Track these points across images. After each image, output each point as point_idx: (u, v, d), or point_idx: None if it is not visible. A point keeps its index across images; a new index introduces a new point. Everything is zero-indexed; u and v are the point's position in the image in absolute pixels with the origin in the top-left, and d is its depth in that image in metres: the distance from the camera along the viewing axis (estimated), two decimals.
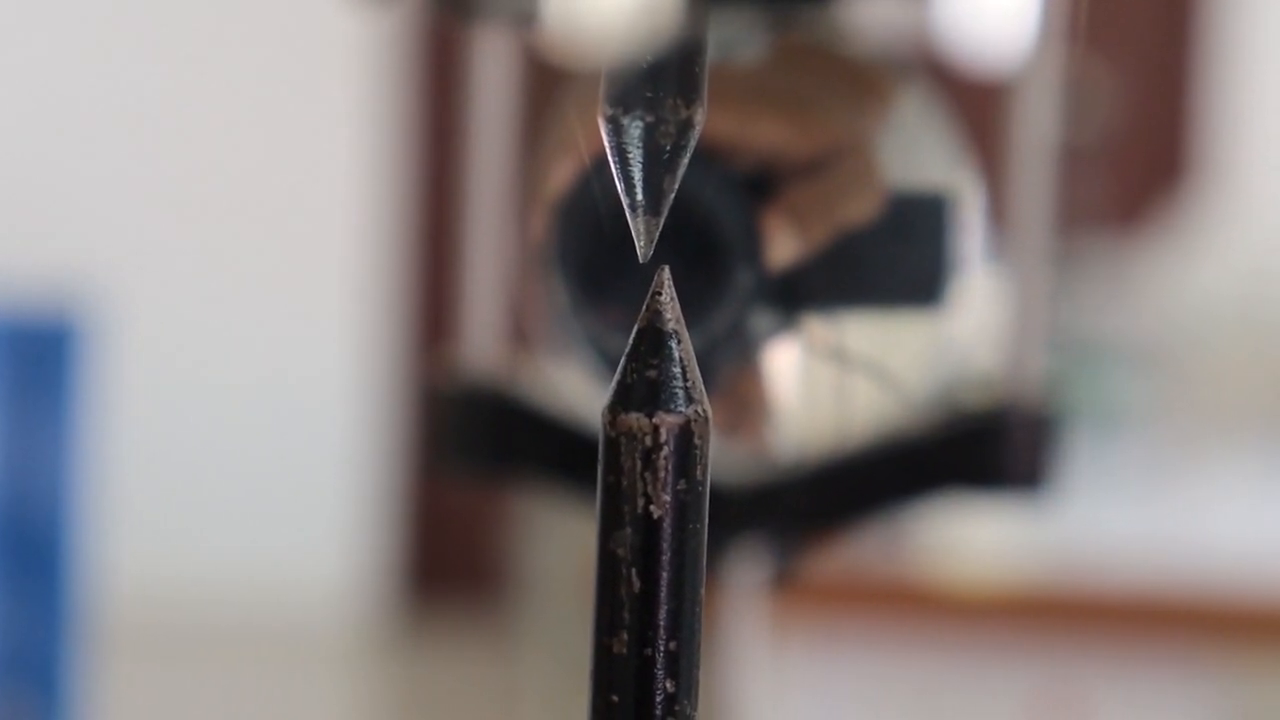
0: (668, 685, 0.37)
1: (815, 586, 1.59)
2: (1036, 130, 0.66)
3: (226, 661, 3.80)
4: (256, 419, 4.18)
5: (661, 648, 0.37)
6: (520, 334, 0.68)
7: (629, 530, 0.37)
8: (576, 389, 0.62)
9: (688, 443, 0.37)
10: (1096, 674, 1.67)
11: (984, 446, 0.65)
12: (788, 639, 1.66)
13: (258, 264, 4.17)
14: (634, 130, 0.38)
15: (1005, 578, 1.67)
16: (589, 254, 0.54)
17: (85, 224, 4.12)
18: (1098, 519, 1.83)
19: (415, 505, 4.25)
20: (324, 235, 4.20)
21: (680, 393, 0.37)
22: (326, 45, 4.13)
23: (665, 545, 0.37)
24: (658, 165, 0.38)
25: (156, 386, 4.09)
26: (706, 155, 0.51)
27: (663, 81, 0.38)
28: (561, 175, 0.55)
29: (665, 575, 0.37)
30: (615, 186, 0.39)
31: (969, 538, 1.69)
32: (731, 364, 0.55)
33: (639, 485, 0.37)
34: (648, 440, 0.37)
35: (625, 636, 0.37)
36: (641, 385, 0.37)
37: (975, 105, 0.87)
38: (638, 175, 0.38)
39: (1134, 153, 3.63)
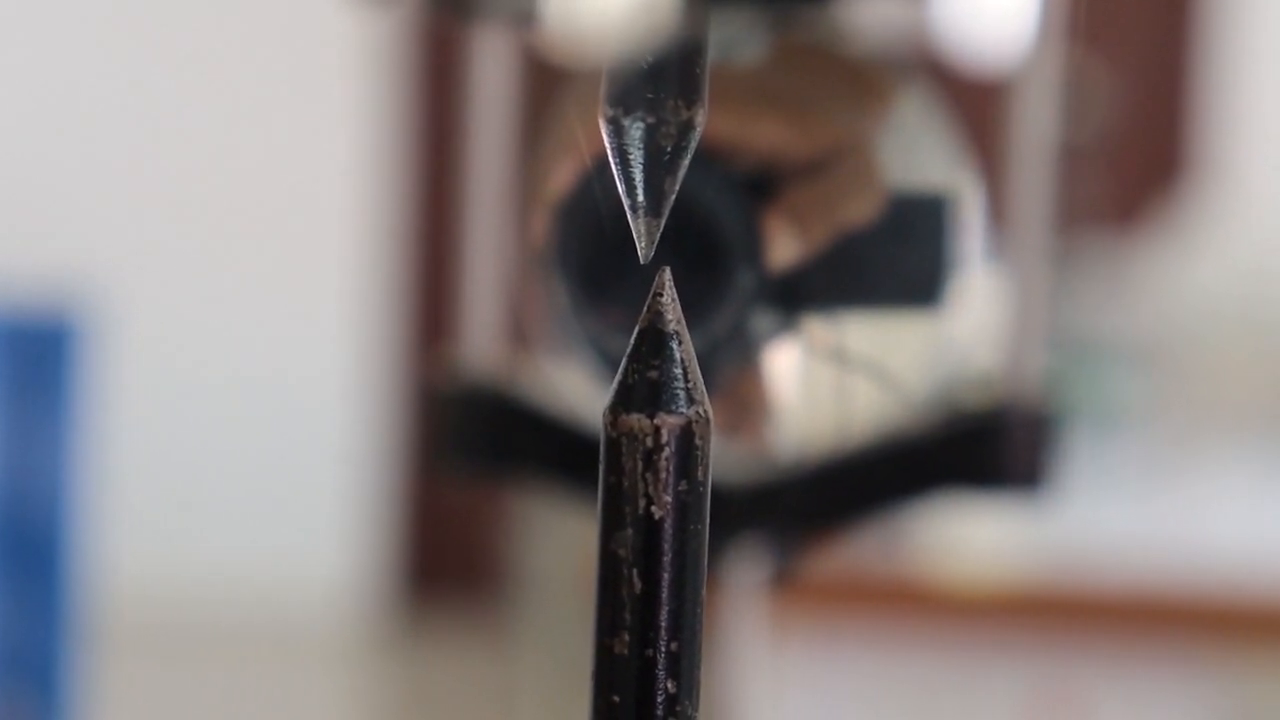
0: (669, 686, 0.37)
1: (814, 586, 1.59)
2: (1035, 129, 0.66)
3: (225, 660, 3.80)
4: (256, 418, 4.18)
5: (663, 648, 0.37)
6: (520, 334, 0.68)
7: (630, 531, 0.37)
8: (576, 389, 0.62)
9: (689, 443, 0.37)
10: (1095, 672, 1.67)
11: (983, 446, 0.65)
12: (787, 638, 1.66)
13: (257, 264, 4.17)
14: (635, 131, 0.38)
15: (1004, 576, 1.67)
16: (590, 255, 0.54)
17: (84, 224, 4.12)
18: (1096, 518, 1.83)
19: (413, 504, 4.25)
20: (323, 235, 4.20)
21: (681, 394, 0.37)
22: (326, 45, 4.13)
23: (666, 546, 0.37)
24: (659, 166, 0.38)
25: (156, 386, 4.09)
26: (707, 156, 0.51)
27: (664, 83, 0.38)
28: (562, 176, 0.55)
29: (666, 576, 0.37)
30: (616, 188, 0.39)
31: (968, 537, 1.69)
32: (732, 365, 0.55)
33: (640, 486, 0.37)
34: (649, 441, 0.37)
35: (626, 637, 0.37)
36: (643, 386, 0.37)
37: (974, 105, 0.87)
38: (639, 176, 0.39)
39: (1132, 151, 3.63)
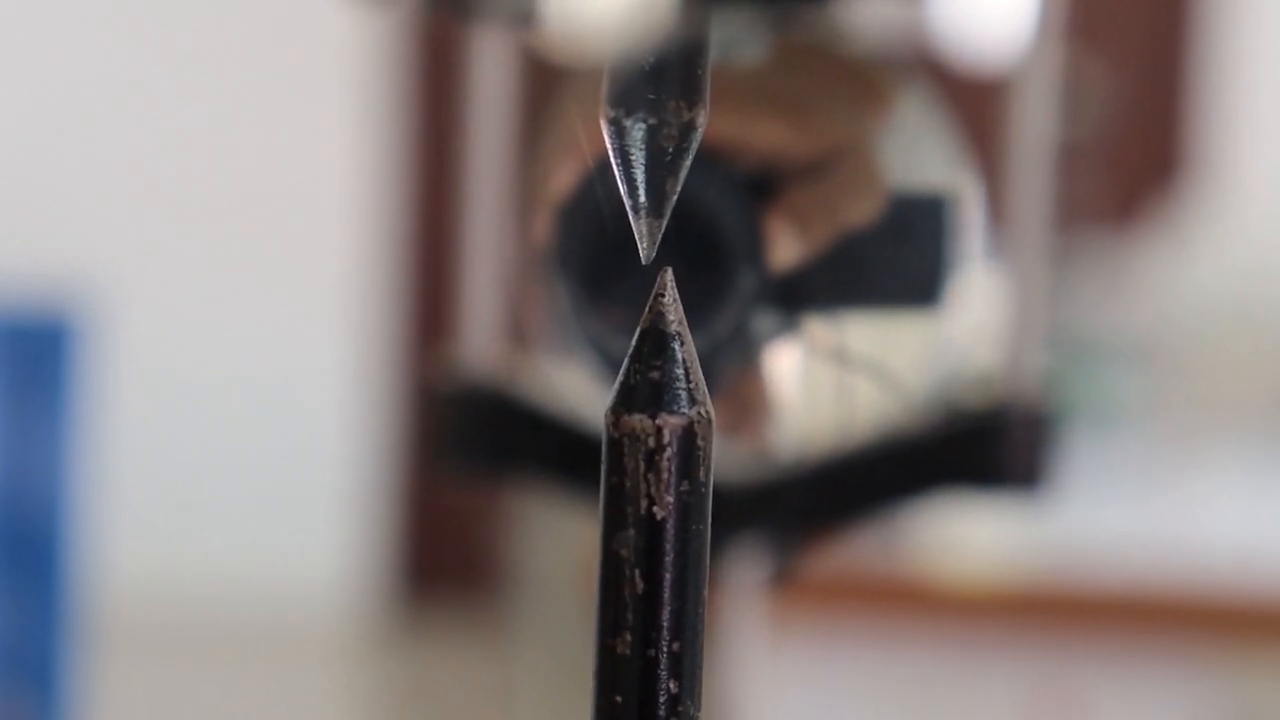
0: (671, 686, 0.37)
1: (813, 584, 1.59)
2: (1033, 128, 0.66)
3: (223, 659, 3.80)
4: (254, 418, 4.18)
5: (665, 648, 0.37)
6: (519, 333, 0.68)
7: (632, 531, 0.37)
8: (574, 388, 0.62)
9: (691, 444, 0.37)
10: (1093, 670, 1.67)
11: (982, 445, 0.65)
12: (786, 636, 1.66)
13: (256, 263, 4.17)
14: (636, 132, 0.38)
15: (1002, 575, 1.67)
16: (592, 256, 0.54)
17: (82, 223, 4.12)
18: (1094, 516, 1.83)
19: (412, 503, 4.25)
20: (322, 234, 4.20)
21: (683, 394, 0.37)
22: (325, 45, 4.13)
23: (668, 546, 0.37)
24: (660, 167, 0.38)
25: (154, 385, 4.09)
26: (708, 157, 0.51)
27: (665, 83, 0.38)
28: (564, 177, 0.55)
29: (668, 576, 0.37)
30: (618, 188, 0.39)
31: (966, 535, 1.69)
32: (734, 365, 0.55)
33: (642, 486, 0.37)
34: (651, 441, 0.37)
35: (629, 637, 0.37)
36: (644, 387, 0.37)
37: (972, 103, 0.87)
38: (640, 177, 0.39)
39: (1130, 150, 3.63)
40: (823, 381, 0.59)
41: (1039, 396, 0.65)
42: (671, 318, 0.37)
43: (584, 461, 0.65)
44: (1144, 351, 2.36)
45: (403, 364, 4.20)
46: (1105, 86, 2.56)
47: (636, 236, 0.39)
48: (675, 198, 0.39)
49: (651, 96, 0.38)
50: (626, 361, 0.37)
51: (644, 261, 0.39)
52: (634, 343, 0.37)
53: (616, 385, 0.37)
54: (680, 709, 0.37)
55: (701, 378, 0.37)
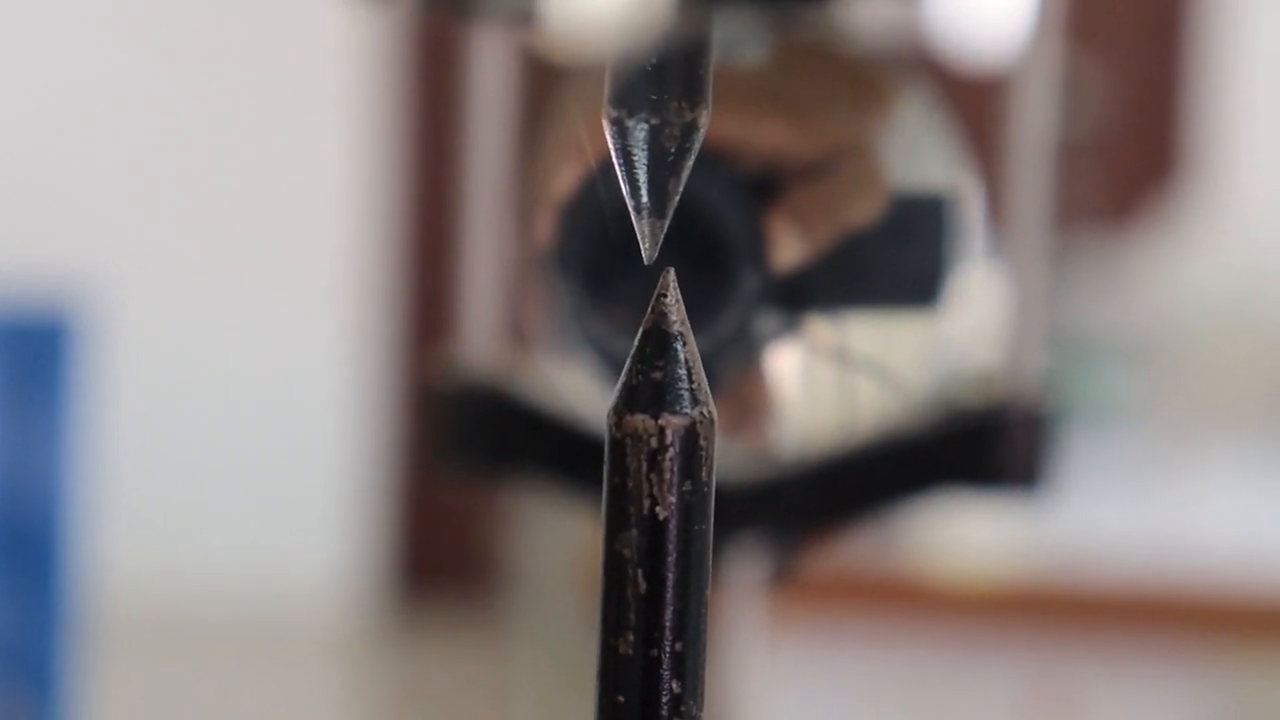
0: (673, 686, 0.37)
1: (812, 583, 1.59)
2: (1031, 127, 0.66)
3: (221, 657, 3.80)
4: (252, 416, 4.18)
5: (667, 648, 0.37)
6: (518, 333, 0.68)
7: (635, 531, 0.37)
8: (574, 388, 0.62)
9: (693, 444, 0.37)
10: (1091, 669, 1.67)
11: (981, 444, 0.65)
12: (784, 635, 1.66)
13: (254, 262, 4.17)
14: (638, 133, 0.38)
15: (1000, 574, 1.67)
16: (594, 256, 0.54)
17: (80, 222, 4.12)
18: (1092, 514, 1.83)
19: (409, 502, 4.25)
20: (320, 234, 4.20)
21: (685, 394, 0.37)
22: (323, 44, 4.13)
23: (671, 546, 0.37)
24: (662, 167, 0.38)
25: (152, 384, 4.09)
26: (710, 157, 0.51)
27: (667, 84, 0.38)
28: (566, 177, 0.55)
29: (671, 576, 0.37)
30: (620, 189, 0.39)
31: (965, 534, 1.69)
32: (736, 365, 0.55)
33: (644, 487, 0.37)
34: (653, 442, 0.37)
35: (631, 637, 0.37)
36: (647, 387, 0.37)
37: (970, 102, 0.87)
38: (642, 177, 0.39)
39: (1127, 148, 3.64)
40: (824, 381, 0.59)
41: (1038, 396, 0.65)
42: (674, 318, 0.37)
43: (583, 461, 0.65)
44: (1141, 350, 2.36)
45: (401, 364, 4.20)
46: (1103, 86, 2.56)
47: (639, 237, 0.39)
48: (677, 198, 0.39)
49: (654, 97, 0.38)
50: (629, 362, 0.37)
51: (646, 262, 0.39)
52: (636, 343, 0.37)
53: (619, 385, 0.37)
54: (683, 709, 0.37)
55: (704, 378, 0.37)
